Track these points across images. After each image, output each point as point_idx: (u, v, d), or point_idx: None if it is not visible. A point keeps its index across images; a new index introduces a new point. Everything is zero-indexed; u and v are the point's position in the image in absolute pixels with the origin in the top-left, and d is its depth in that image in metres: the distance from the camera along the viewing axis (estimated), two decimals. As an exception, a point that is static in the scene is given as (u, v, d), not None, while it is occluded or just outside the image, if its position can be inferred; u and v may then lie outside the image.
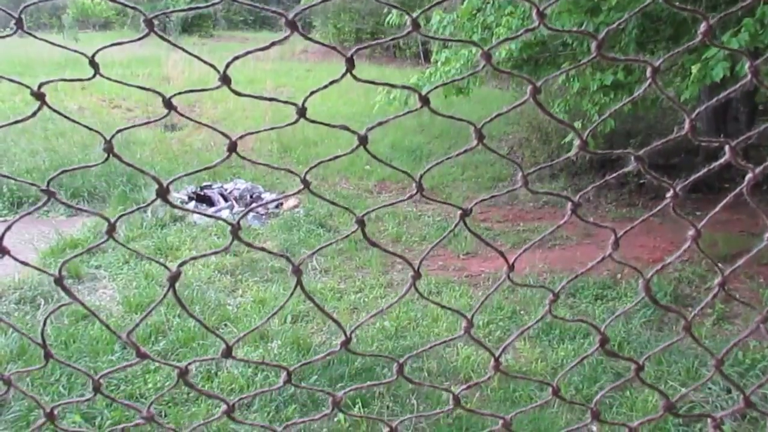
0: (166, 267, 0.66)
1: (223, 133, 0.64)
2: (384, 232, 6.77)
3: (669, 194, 0.67)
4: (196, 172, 0.67)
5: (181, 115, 0.62)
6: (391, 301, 5.25)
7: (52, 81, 0.60)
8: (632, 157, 0.67)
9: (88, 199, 7.33)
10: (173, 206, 0.65)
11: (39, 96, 0.58)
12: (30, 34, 0.57)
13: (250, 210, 0.71)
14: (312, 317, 4.95)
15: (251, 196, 7.60)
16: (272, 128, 0.67)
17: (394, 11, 6.60)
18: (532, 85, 0.61)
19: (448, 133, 10.43)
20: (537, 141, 9.20)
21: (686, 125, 0.61)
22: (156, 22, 0.54)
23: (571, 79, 5.60)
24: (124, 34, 21.44)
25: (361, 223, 0.69)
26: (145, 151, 8.97)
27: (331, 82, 0.61)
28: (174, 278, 0.66)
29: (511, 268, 0.72)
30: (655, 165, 7.86)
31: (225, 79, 0.60)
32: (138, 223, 6.61)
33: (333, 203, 0.73)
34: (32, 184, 0.62)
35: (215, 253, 0.71)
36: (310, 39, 0.59)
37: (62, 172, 0.64)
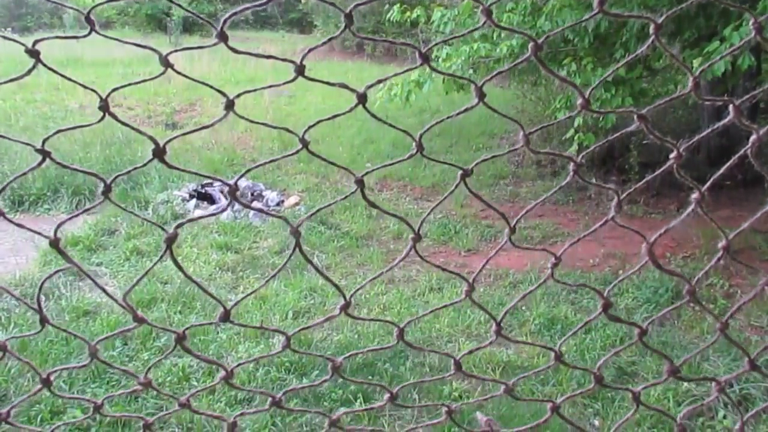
0: (163, 228, 0.66)
1: (220, 92, 0.63)
2: (385, 230, 6.76)
3: (672, 155, 0.66)
4: (194, 131, 0.66)
5: (178, 72, 0.62)
6: (392, 297, 5.24)
7: (47, 38, 0.60)
8: (635, 117, 0.66)
9: (89, 197, 7.33)
10: (170, 167, 0.64)
11: (33, 53, 0.57)
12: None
13: (248, 171, 0.70)
14: (313, 314, 4.95)
15: (252, 194, 7.60)
16: (270, 86, 0.67)
17: (395, 8, 6.59)
18: (534, 42, 0.60)
19: (449, 131, 10.42)
20: (538, 138, 9.19)
21: (690, 83, 0.61)
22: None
23: (573, 75, 5.60)
24: (126, 34, 21.46)
25: (360, 183, 0.69)
26: (146, 149, 8.94)
27: (330, 39, 0.60)
28: (171, 239, 0.65)
29: (513, 230, 0.71)
30: (656, 162, 7.86)
31: (222, 36, 0.59)
32: (139, 221, 6.60)
33: (332, 163, 0.72)
34: (28, 144, 0.62)
35: (214, 214, 0.71)
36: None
37: (58, 132, 0.64)
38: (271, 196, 7.53)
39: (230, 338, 4.43)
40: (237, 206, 7.25)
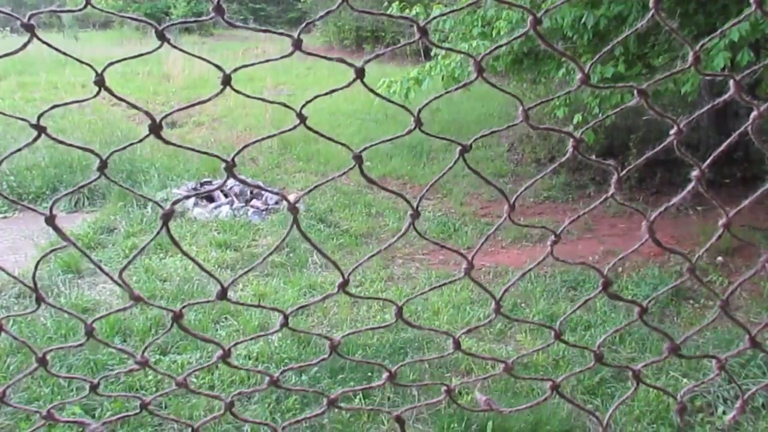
0: (160, 205, 0.65)
1: (217, 66, 0.63)
2: (384, 227, 6.76)
3: (673, 131, 0.66)
4: (192, 105, 0.65)
5: (172, 46, 0.61)
6: (391, 294, 5.23)
7: (42, 12, 0.59)
8: (635, 92, 0.65)
9: (88, 196, 7.32)
10: (166, 142, 0.64)
11: (28, 27, 0.57)
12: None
13: (246, 147, 0.69)
14: (312, 311, 4.94)
15: (251, 192, 7.59)
16: (268, 60, 0.66)
17: (394, 5, 6.58)
18: (533, 16, 0.60)
19: (448, 131, 10.41)
20: (537, 137, 9.19)
21: (690, 57, 0.60)
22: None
23: (571, 73, 5.59)
24: (124, 34, 21.44)
25: (358, 158, 0.68)
26: (145, 147, 8.95)
27: (328, 12, 0.60)
28: (167, 215, 0.64)
29: (512, 207, 0.71)
30: (655, 160, 7.85)
31: (218, 9, 0.58)
32: (138, 219, 6.60)
33: (329, 138, 0.71)
34: (22, 119, 0.61)
35: (212, 190, 0.70)
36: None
37: (54, 107, 0.63)
38: (270, 194, 7.52)
39: (229, 335, 4.43)
40: (236, 204, 7.25)
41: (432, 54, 6.95)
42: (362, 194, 7.88)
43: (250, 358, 4.12)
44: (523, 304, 5.05)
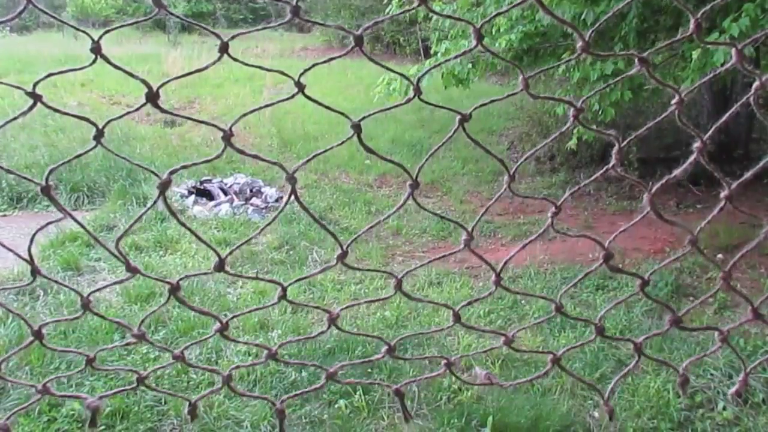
0: (156, 174, 0.65)
1: (215, 33, 0.63)
2: (384, 225, 6.75)
3: (674, 100, 0.65)
4: (189, 74, 0.65)
5: (169, 13, 0.61)
6: (391, 291, 5.22)
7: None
8: (636, 60, 0.65)
9: (88, 194, 7.32)
10: (163, 111, 0.63)
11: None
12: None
13: (244, 116, 0.68)
14: (312, 307, 4.94)
15: (251, 190, 7.59)
16: (266, 27, 0.66)
17: (394, 3, 6.58)
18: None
19: (447, 128, 10.41)
20: (537, 135, 9.19)
21: (691, 25, 0.60)
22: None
23: (572, 69, 5.59)
24: (123, 33, 21.40)
25: (357, 127, 0.68)
26: (144, 146, 8.95)
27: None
28: (165, 185, 0.64)
29: (512, 177, 0.70)
30: (655, 158, 7.85)
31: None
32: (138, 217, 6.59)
33: (329, 108, 0.71)
34: (19, 88, 0.61)
35: (209, 161, 0.70)
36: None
37: (49, 75, 0.63)
38: (270, 192, 7.52)
39: (229, 331, 4.42)
40: (236, 202, 7.24)
41: (432, 52, 6.94)
42: (362, 192, 7.88)
43: (249, 355, 4.12)
44: (522, 301, 5.04)
